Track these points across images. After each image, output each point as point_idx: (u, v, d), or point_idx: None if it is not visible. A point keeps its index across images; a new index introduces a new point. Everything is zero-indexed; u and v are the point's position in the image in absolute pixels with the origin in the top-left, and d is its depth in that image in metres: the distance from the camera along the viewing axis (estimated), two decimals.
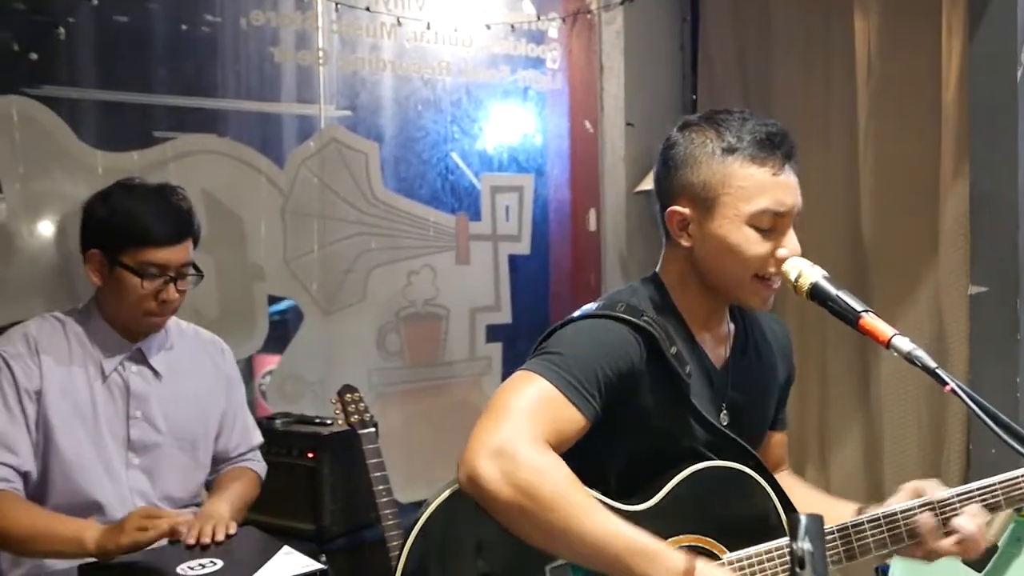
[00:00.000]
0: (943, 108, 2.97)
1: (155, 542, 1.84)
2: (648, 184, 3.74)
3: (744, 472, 1.48)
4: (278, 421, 2.75)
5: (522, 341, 3.82)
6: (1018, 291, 2.69)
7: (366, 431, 2.54)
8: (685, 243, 1.52)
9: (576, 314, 1.53)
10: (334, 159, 3.28)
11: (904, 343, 1.30)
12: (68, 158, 2.79)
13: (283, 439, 2.63)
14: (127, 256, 2.03)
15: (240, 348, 2.93)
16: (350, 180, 3.33)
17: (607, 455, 1.47)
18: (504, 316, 3.72)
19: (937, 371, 1.26)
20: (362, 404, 2.58)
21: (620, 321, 1.46)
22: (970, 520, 1.44)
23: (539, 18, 3.68)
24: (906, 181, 3.10)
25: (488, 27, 3.54)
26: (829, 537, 1.43)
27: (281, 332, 3.20)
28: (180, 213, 2.09)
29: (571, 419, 1.38)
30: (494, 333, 3.70)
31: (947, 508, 1.46)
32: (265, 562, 1.78)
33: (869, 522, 1.44)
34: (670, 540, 1.41)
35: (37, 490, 2.00)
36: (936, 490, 1.46)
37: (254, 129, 3.13)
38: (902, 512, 1.44)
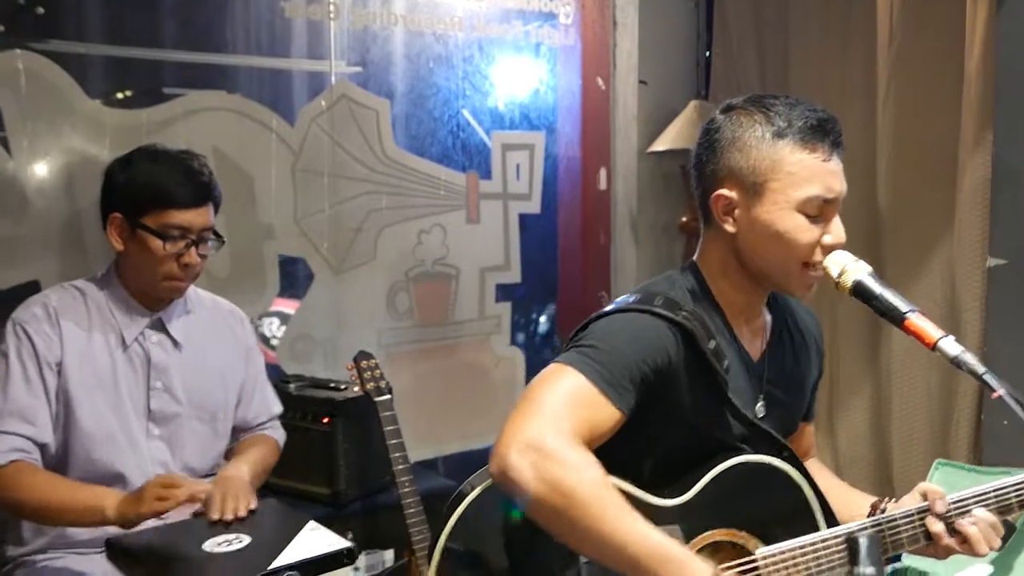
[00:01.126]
0: (965, 78, 2.93)
1: (174, 510, 1.84)
2: (662, 145, 3.71)
3: (779, 467, 1.48)
4: (292, 385, 2.74)
5: (531, 301, 3.82)
6: None
7: (382, 398, 2.53)
8: (730, 228, 1.49)
9: (612, 306, 1.51)
10: (345, 116, 3.23)
11: (951, 346, 1.29)
12: (75, 115, 2.73)
13: (297, 403, 2.62)
14: (149, 218, 2.01)
15: (250, 307, 2.91)
16: (360, 138, 3.27)
17: (640, 448, 1.46)
18: (514, 276, 3.70)
19: (984, 376, 1.25)
20: (378, 371, 2.57)
21: (658, 316, 1.44)
22: (974, 523, 1.44)
23: None
24: (924, 150, 3.07)
25: None
26: (835, 541, 1.43)
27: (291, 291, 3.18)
28: (201, 176, 2.07)
29: (605, 414, 1.37)
30: (504, 292, 3.68)
31: (957, 509, 1.47)
32: (291, 537, 1.78)
33: (887, 522, 1.44)
34: (705, 535, 1.41)
35: (58, 462, 2.00)
36: (938, 493, 1.46)
37: (264, 86, 3.07)
38: (902, 518, 1.45)
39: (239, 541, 1.78)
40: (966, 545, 1.44)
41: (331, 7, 3.15)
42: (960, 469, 2.33)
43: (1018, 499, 1.50)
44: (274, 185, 3.09)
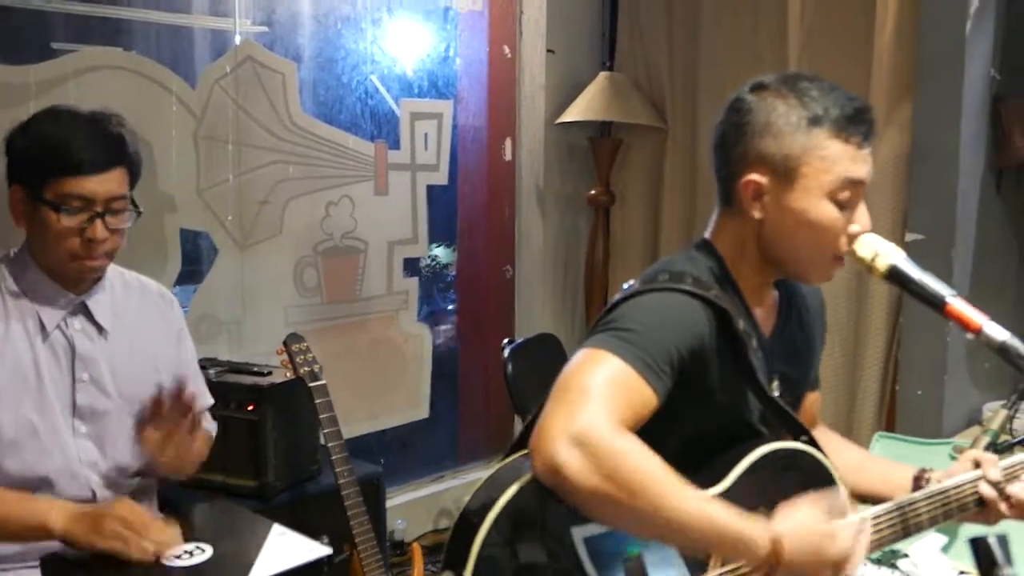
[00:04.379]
0: (876, 56, 3.00)
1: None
2: (570, 116, 3.64)
3: (806, 451, 1.45)
4: (210, 370, 2.52)
5: (436, 274, 3.70)
6: (953, 240, 2.78)
7: (317, 383, 2.37)
8: (757, 214, 1.44)
9: (641, 286, 1.43)
10: (250, 79, 3.00)
11: (998, 331, 1.27)
12: None
13: (218, 391, 2.40)
14: (48, 189, 1.75)
15: None
16: (267, 103, 3.06)
17: (666, 433, 1.38)
18: (422, 249, 3.58)
19: None
20: (310, 354, 2.40)
21: (691, 295, 1.38)
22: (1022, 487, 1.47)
23: None
24: None
25: None
26: (887, 516, 1.42)
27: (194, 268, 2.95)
28: (109, 138, 1.80)
29: (646, 398, 1.30)
30: (412, 267, 3.55)
31: (1007, 475, 1.48)
32: (260, 545, 1.63)
33: (925, 499, 1.44)
34: None
35: None
36: (991, 461, 1.48)
37: (163, 43, 2.81)
38: (954, 488, 1.45)
39: (200, 552, 1.61)
40: (1015, 509, 1.46)
41: None
42: (901, 441, 2.40)
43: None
44: (175, 152, 2.84)
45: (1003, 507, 1.45)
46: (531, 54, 3.76)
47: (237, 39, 2.96)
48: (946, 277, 2.80)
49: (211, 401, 2.16)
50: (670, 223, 3.68)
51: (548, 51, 3.73)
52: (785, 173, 1.40)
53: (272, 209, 3.10)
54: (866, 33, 3.02)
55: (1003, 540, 0.90)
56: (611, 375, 1.29)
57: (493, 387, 3.78)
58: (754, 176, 1.42)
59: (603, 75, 3.65)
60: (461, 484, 3.70)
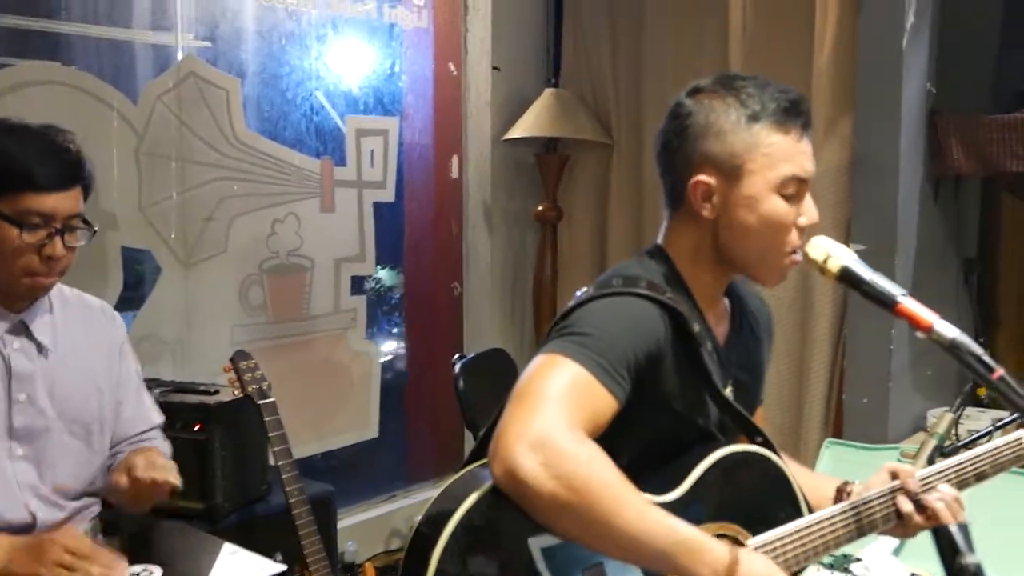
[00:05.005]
0: (815, 70, 3.05)
1: None
2: (517, 132, 3.65)
3: (762, 454, 1.45)
4: (155, 391, 2.45)
5: (384, 293, 3.67)
6: (895, 249, 2.83)
7: (266, 401, 2.33)
8: (707, 214, 1.45)
9: (596, 291, 1.43)
10: (193, 95, 2.96)
11: (948, 329, 1.29)
12: None
13: (163, 411, 2.36)
14: (5, 203, 1.72)
15: None
16: (210, 118, 3.01)
17: (624, 441, 1.39)
18: (369, 267, 3.55)
19: (984, 358, 1.26)
20: (259, 371, 2.36)
21: (646, 299, 1.38)
22: (940, 499, 1.46)
23: None
24: None
25: None
26: (819, 526, 1.42)
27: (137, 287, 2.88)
28: (69, 155, 1.79)
29: (605, 404, 1.30)
30: (359, 285, 3.52)
31: (924, 487, 1.49)
32: (211, 565, 1.59)
33: (840, 513, 1.44)
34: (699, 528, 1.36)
35: None
36: (908, 472, 1.48)
37: (104, 58, 2.76)
38: (873, 500, 1.46)
39: (149, 575, 1.56)
40: (932, 520, 1.46)
41: None
42: (850, 447, 2.42)
43: (975, 472, 1.55)
44: (116, 169, 2.79)
45: (919, 519, 1.44)
46: (476, 71, 3.77)
47: (179, 54, 2.92)
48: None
49: (162, 419, 2.11)
50: (617, 238, 3.70)
51: (494, 68, 3.74)
52: (731, 171, 1.42)
53: (217, 226, 3.05)
54: (806, 48, 3.08)
55: (964, 528, 0.91)
56: (569, 381, 1.28)
57: (442, 405, 3.76)
58: (702, 177, 1.43)
59: (549, 91, 3.67)
60: (412, 504, 3.66)
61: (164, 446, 2.06)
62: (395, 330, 3.73)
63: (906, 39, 2.76)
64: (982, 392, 3.24)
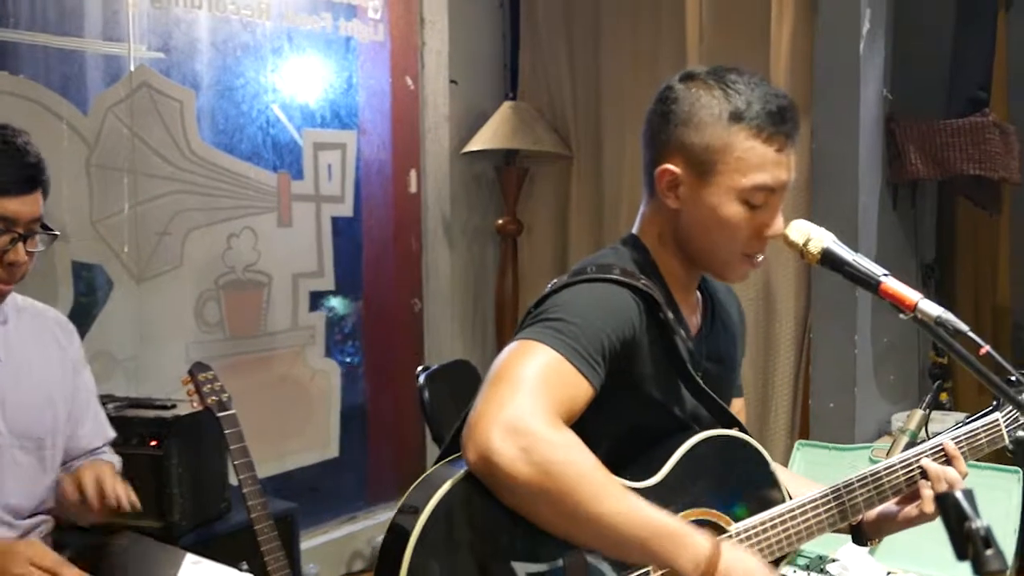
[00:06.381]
0: (771, 75, 3.07)
1: None
2: (476, 145, 3.63)
3: (742, 439, 1.43)
4: (108, 406, 2.37)
5: (344, 309, 3.61)
6: (857, 251, 2.84)
7: (226, 414, 2.25)
8: (672, 204, 1.43)
9: (570, 278, 1.40)
10: (146, 106, 2.89)
11: (932, 307, 1.27)
12: None
13: (118, 427, 2.27)
14: None
15: None
16: (164, 131, 2.95)
17: (599, 429, 1.35)
18: (327, 283, 3.48)
19: (969, 334, 1.25)
20: (218, 383, 2.28)
21: (621, 284, 1.36)
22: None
23: None
24: None
25: None
26: (802, 511, 1.41)
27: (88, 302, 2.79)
28: (28, 157, 1.73)
29: (580, 390, 1.27)
30: (318, 301, 3.45)
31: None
32: None
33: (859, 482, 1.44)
34: (679, 516, 1.33)
35: None
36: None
37: (53, 68, 2.69)
38: (860, 483, 1.45)
39: None
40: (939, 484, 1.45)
41: None
42: (821, 448, 2.41)
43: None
44: (66, 182, 2.70)
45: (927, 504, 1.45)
46: (434, 85, 3.74)
47: (132, 65, 2.86)
48: (850, 287, 2.89)
49: (114, 434, 2.04)
50: (578, 250, 3.68)
51: (451, 82, 3.72)
52: (702, 167, 1.39)
53: (171, 241, 2.98)
54: (763, 56, 3.10)
55: (969, 494, 0.89)
56: (544, 366, 1.25)
57: (404, 423, 3.69)
58: (670, 166, 1.41)
59: (507, 104, 3.65)
60: (374, 524, 3.58)
61: (115, 460, 1.99)
62: (356, 346, 3.66)
63: (862, 45, 2.79)
64: (944, 396, 3.28)
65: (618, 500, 1.19)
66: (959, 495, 0.88)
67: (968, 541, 0.85)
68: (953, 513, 0.88)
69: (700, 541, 1.21)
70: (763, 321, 3.17)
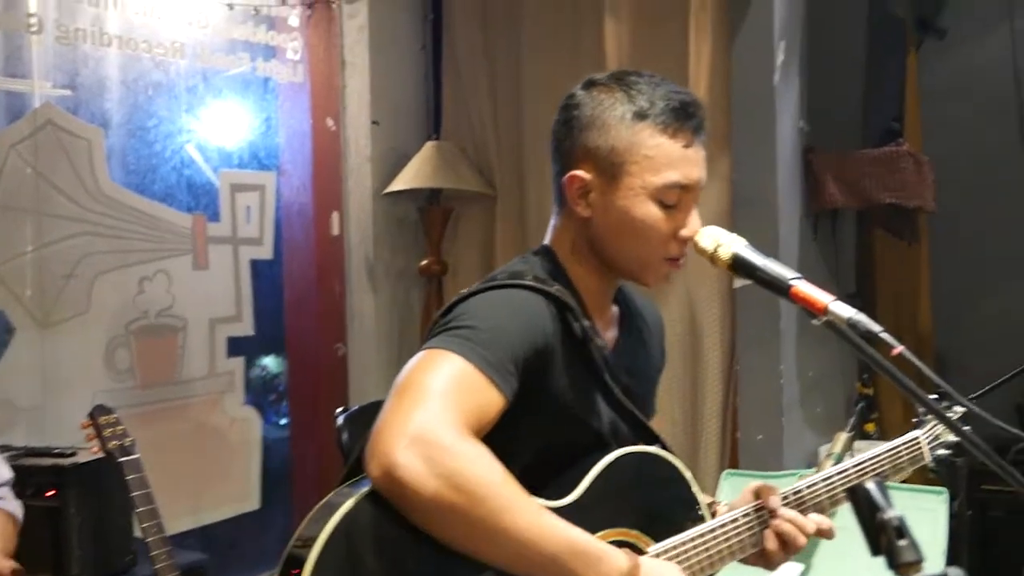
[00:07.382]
0: None
1: None
2: (399, 185, 3.58)
3: (661, 455, 1.38)
4: (3, 455, 2.24)
5: (264, 355, 3.50)
6: None
7: (129, 459, 2.14)
8: (583, 212, 1.39)
9: (480, 286, 1.35)
10: (51, 145, 2.80)
11: (844, 309, 1.24)
12: None
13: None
14: None
15: None
16: (70, 170, 2.85)
17: (513, 445, 1.28)
18: (246, 327, 3.38)
19: (882, 335, 1.22)
20: (120, 427, 2.17)
21: (533, 291, 1.31)
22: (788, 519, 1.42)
23: (284, 2, 3.39)
24: None
25: (230, 7, 3.19)
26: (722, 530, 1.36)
27: None
28: None
29: (491, 400, 1.21)
30: (236, 346, 3.34)
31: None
32: None
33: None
34: (597, 536, 1.27)
35: None
36: (770, 489, 1.42)
37: None
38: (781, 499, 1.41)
39: None
40: (779, 540, 1.39)
41: (31, 19, 2.73)
42: (749, 477, 2.37)
43: (875, 474, 1.50)
44: None
45: (770, 542, 1.37)
46: (356, 126, 3.69)
47: (36, 102, 2.76)
48: (774, 320, 2.89)
49: (10, 475, 1.92)
50: None
51: (373, 122, 3.67)
52: (610, 169, 1.36)
53: (78, 284, 2.86)
54: (682, 87, 3.12)
55: (881, 485, 0.85)
56: (453, 375, 1.19)
57: (330, 472, 3.57)
58: (578, 172, 1.38)
59: (430, 144, 3.62)
60: None
61: (14, 506, 1.86)
62: (278, 393, 3.55)
63: (776, 77, 2.82)
64: (871, 427, 3.28)
65: (530, 515, 1.14)
66: (871, 486, 0.84)
67: (881, 533, 0.81)
68: (865, 505, 0.83)
69: (617, 557, 1.17)
70: (690, 353, 3.14)
